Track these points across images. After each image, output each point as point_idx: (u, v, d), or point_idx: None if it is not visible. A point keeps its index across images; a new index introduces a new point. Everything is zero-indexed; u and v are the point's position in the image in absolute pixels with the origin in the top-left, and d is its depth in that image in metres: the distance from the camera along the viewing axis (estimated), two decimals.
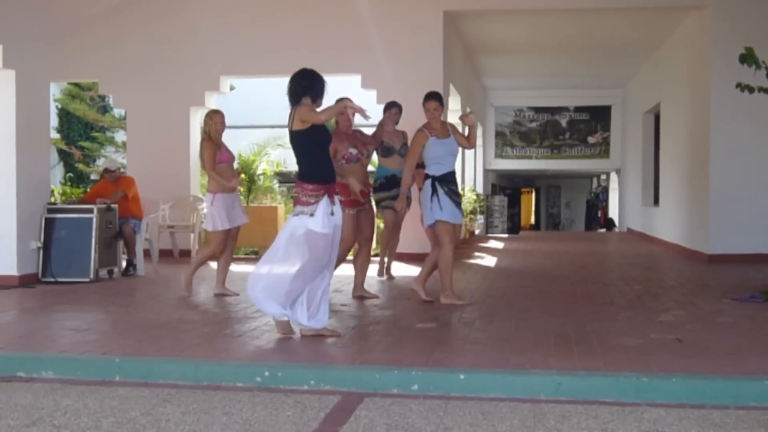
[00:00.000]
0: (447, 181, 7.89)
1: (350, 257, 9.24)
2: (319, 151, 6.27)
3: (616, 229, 27.92)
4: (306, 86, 6.28)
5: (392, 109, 9.74)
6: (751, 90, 8.20)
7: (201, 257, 9.02)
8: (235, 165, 9.34)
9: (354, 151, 8.14)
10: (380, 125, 9.59)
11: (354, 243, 8.44)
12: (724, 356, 5.48)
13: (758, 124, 12.02)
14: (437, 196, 7.82)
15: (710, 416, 4.45)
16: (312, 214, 6.14)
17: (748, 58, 8.05)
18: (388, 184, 9.70)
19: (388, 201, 9.67)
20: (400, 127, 9.69)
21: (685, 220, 14.42)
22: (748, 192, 12.33)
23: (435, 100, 7.99)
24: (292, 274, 6.16)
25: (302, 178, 6.23)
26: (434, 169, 7.91)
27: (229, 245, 8.86)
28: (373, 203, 9.05)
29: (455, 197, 7.92)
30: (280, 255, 6.29)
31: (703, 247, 12.92)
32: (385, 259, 10.59)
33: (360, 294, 8.49)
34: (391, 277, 10.49)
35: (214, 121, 8.65)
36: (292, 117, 6.21)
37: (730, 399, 4.70)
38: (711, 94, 12.53)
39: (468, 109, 6.77)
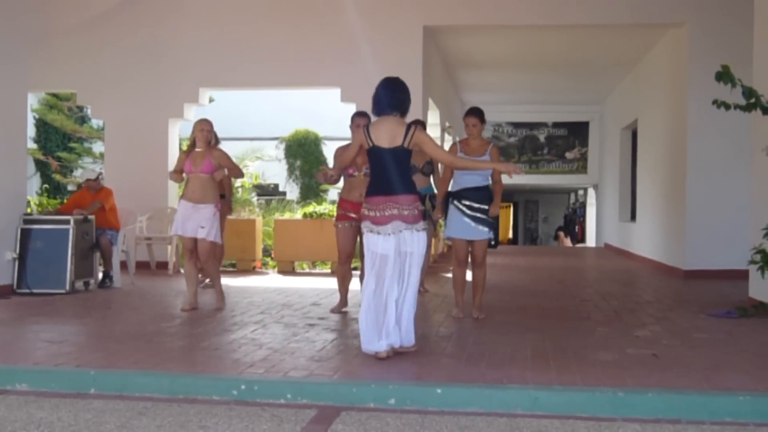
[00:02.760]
0: (461, 197, 7.87)
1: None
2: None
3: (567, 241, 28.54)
4: (403, 99, 6.27)
5: (416, 126, 9.76)
6: (727, 107, 8.28)
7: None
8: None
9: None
10: None
11: (348, 256, 8.37)
12: (700, 371, 5.51)
13: (734, 141, 12.12)
14: (449, 211, 8.00)
15: (686, 431, 4.47)
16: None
17: (724, 75, 8.13)
18: None
19: None
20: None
21: (662, 236, 14.52)
22: (724, 208, 12.42)
23: (474, 116, 7.97)
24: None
25: (416, 192, 6.17)
26: (452, 185, 8.00)
27: (204, 261, 8.68)
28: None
29: (471, 212, 7.85)
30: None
31: (679, 263, 13.01)
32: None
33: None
34: (425, 291, 10.38)
35: (193, 128, 8.70)
36: (410, 135, 6.09)
37: (706, 414, 4.73)
38: (688, 111, 12.64)
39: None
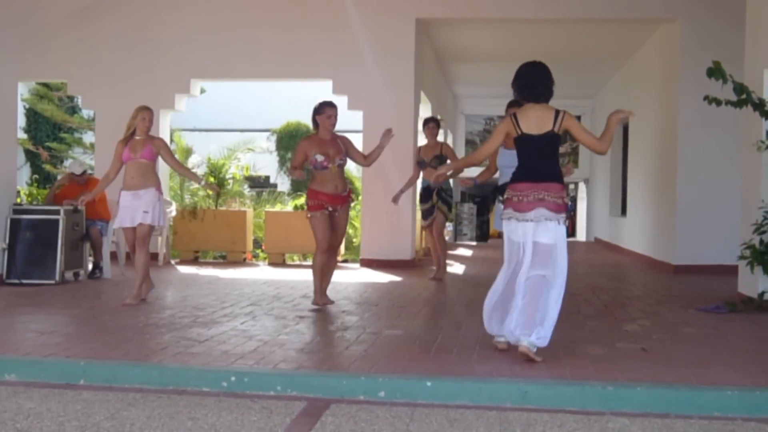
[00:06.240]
0: (502, 191, 7.78)
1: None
2: None
3: None
4: (550, 85, 6.09)
5: (429, 124, 10.94)
6: (718, 103, 8.29)
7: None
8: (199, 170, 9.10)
9: (320, 157, 7.91)
10: (419, 149, 11.05)
11: (329, 245, 8.17)
12: (688, 366, 5.53)
13: (725, 136, 12.14)
14: (495, 205, 7.95)
15: (674, 425, 4.49)
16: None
17: (715, 71, 8.14)
18: (424, 194, 11.03)
19: (426, 211, 11.06)
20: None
21: (652, 231, 14.55)
22: (714, 203, 12.45)
23: (515, 106, 7.72)
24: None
25: (563, 182, 5.97)
26: (500, 180, 7.99)
27: (138, 245, 8.35)
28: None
29: None
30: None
31: (669, 258, 13.04)
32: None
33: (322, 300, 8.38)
34: (439, 279, 11.15)
35: (134, 116, 8.49)
36: (559, 119, 5.93)
37: (694, 409, 4.74)
38: (679, 106, 12.66)
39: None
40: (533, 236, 5.77)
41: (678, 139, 12.72)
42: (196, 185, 14.99)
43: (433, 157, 10.61)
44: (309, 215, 8.04)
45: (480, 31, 15.43)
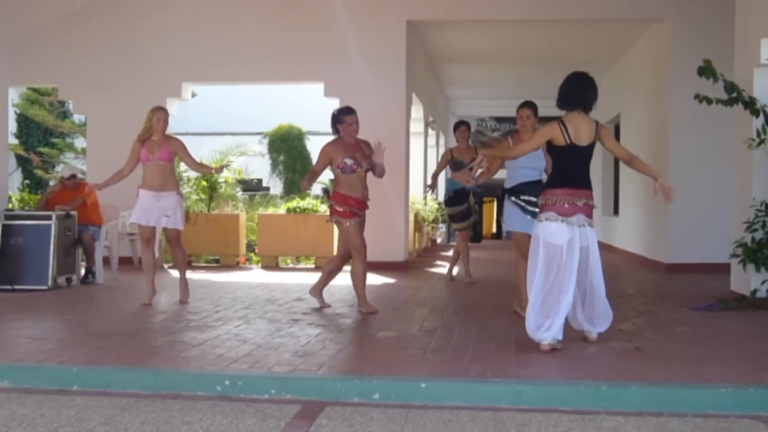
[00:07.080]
0: (519, 193, 7.71)
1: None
2: None
3: None
4: (595, 97, 6.34)
5: (460, 127, 10.93)
6: (709, 101, 8.33)
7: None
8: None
9: (349, 161, 7.86)
10: (450, 150, 11.08)
11: (365, 250, 8.11)
12: (682, 364, 5.55)
13: (716, 135, 12.17)
14: (505, 206, 7.86)
15: (668, 424, 4.50)
16: None
17: (706, 70, 8.17)
18: (458, 197, 10.86)
19: (460, 214, 10.98)
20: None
21: (644, 230, 14.58)
22: (706, 202, 12.47)
23: (528, 108, 7.79)
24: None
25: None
26: (507, 181, 7.91)
27: (172, 247, 8.75)
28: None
29: (531, 207, 7.55)
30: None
31: (661, 257, 13.07)
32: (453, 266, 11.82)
33: (317, 295, 8.49)
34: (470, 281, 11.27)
35: (150, 117, 8.60)
36: (598, 131, 6.25)
37: (688, 407, 4.76)
38: (670, 105, 12.69)
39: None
40: (577, 240, 6.04)
41: (669, 138, 12.75)
42: (188, 188, 14.99)
43: (471, 159, 10.20)
44: (343, 222, 7.97)
45: (471, 33, 15.44)
